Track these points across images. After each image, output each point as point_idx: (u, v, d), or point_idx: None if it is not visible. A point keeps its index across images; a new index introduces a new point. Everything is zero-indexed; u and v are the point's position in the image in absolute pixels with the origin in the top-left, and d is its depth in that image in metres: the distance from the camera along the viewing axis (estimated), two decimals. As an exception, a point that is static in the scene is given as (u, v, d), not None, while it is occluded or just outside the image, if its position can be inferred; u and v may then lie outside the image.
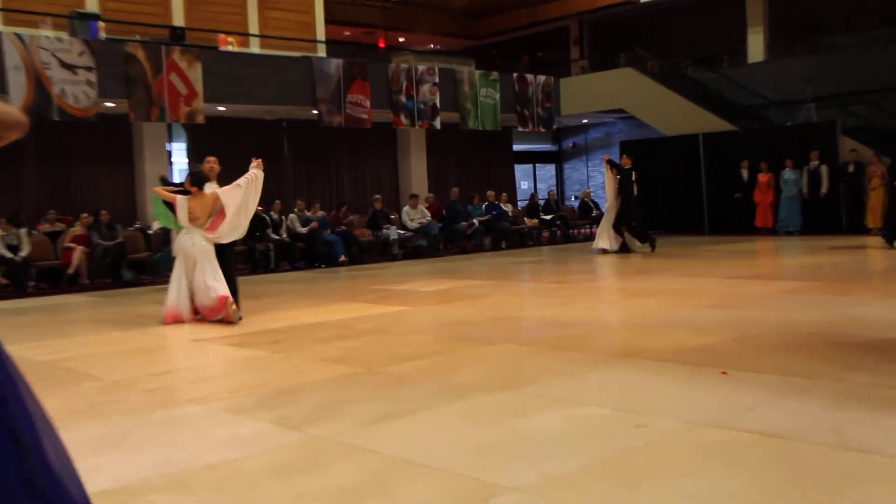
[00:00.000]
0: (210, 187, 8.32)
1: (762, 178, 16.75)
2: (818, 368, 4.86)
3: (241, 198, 8.08)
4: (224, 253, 8.25)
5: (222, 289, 7.94)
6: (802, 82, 17.84)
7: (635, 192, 14.25)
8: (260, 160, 8.29)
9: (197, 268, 8.03)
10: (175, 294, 8.10)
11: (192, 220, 8.14)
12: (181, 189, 8.34)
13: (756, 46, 20.87)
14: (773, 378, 4.64)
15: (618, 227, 14.13)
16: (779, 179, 16.62)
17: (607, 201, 14.47)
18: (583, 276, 11.44)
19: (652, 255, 13.68)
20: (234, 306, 7.89)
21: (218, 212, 8.17)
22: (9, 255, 12.07)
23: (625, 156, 14.70)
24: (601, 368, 5.17)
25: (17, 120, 1.74)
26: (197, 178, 8.30)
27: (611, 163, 14.24)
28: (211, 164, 8.64)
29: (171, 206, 8.22)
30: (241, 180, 8.16)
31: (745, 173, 17.24)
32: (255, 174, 8.18)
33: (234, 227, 8.16)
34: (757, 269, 11.08)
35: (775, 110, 18.81)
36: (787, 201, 16.49)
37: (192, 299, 8.10)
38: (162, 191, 8.47)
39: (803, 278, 9.52)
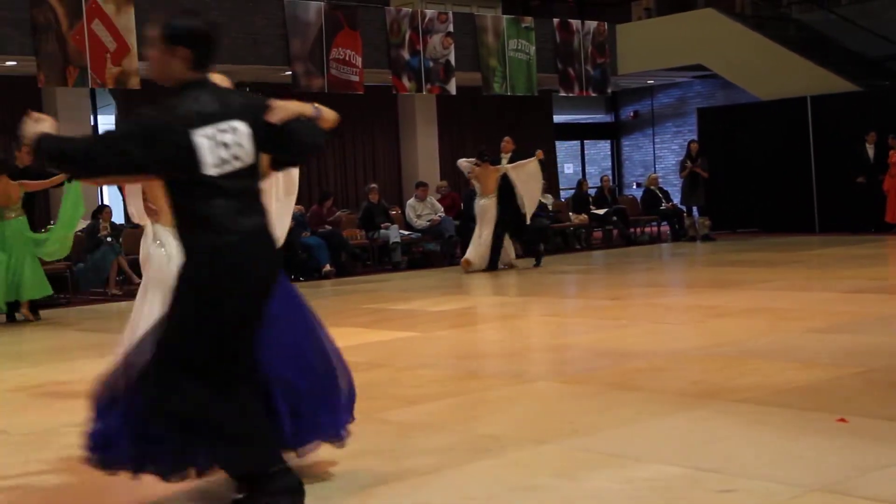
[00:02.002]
0: None
1: (895, 157, 16.65)
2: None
3: None
4: None
5: None
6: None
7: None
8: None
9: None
10: None
11: (151, 213, 6.35)
12: None
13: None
14: (907, 426, 4.64)
15: (500, 235, 14.23)
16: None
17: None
18: (647, 291, 11.42)
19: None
20: None
21: None
22: None
23: (507, 138, 14.74)
24: (672, 414, 5.16)
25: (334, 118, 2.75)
26: None
27: (481, 156, 14.40)
28: None
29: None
30: None
31: (870, 150, 17.14)
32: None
33: None
34: (888, 281, 11.03)
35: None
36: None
37: None
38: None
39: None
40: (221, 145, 3.66)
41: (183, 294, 3.76)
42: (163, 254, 5.37)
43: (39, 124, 3.70)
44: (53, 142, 3.69)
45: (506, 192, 14.15)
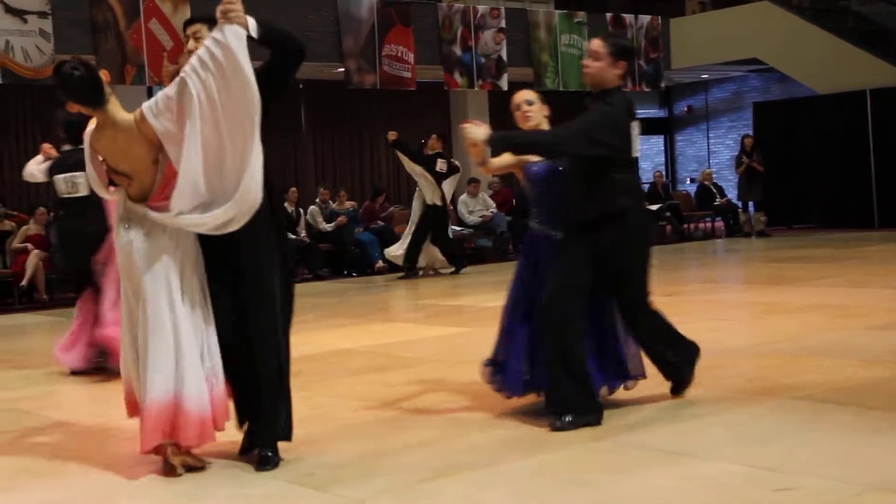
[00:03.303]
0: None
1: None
2: None
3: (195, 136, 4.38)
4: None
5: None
6: None
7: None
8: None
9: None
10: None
11: (121, 181, 4.65)
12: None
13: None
14: (970, 425, 4.58)
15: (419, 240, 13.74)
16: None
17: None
18: (702, 287, 11.35)
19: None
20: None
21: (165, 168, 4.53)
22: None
23: (434, 136, 14.21)
24: (729, 410, 5.15)
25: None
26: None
27: (398, 144, 13.64)
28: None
29: None
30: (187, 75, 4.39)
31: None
32: (212, 43, 4.36)
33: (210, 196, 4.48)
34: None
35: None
36: None
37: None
38: None
39: None
40: (636, 137, 5.18)
41: (621, 248, 5.07)
42: (128, 241, 4.43)
43: (481, 128, 5.20)
44: (511, 136, 5.52)
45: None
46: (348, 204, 15.72)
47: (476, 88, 17.60)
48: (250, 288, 4.50)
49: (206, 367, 4.42)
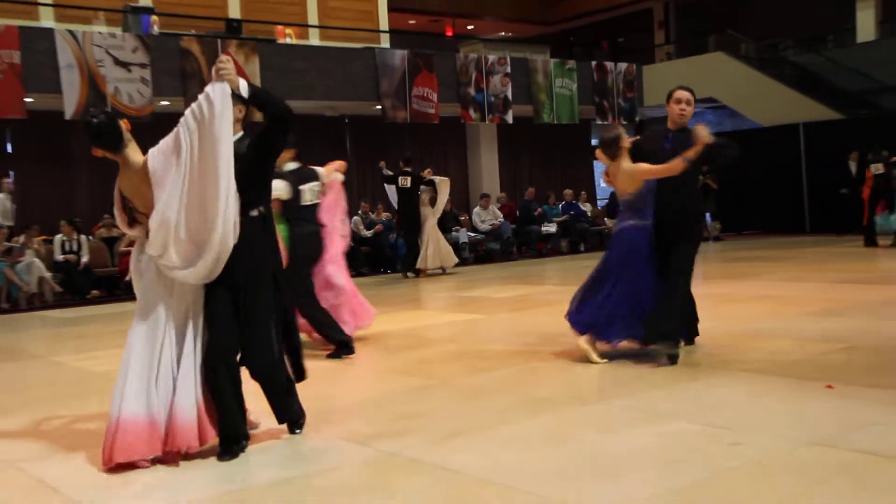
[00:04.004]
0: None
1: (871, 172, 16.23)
2: (939, 383, 4.73)
3: (178, 180, 3.99)
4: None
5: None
6: (919, 63, 17.29)
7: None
8: (227, 57, 4.35)
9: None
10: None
11: (141, 219, 4.27)
12: None
13: (866, 24, 20.24)
14: (887, 393, 4.53)
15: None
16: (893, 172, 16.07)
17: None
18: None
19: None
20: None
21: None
22: (63, 259, 12.51)
23: (402, 161, 13.85)
24: (694, 380, 5.13)
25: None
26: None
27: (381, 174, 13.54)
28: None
29: None
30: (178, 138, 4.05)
31: (852, 166, 16.76)
32: (202, 99, 4.05)
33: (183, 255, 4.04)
34: (869, 273, 10.77)
35: (888, 95, 18.22)
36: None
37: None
38: None
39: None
40: None
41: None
42: (144, 267, 4.16)
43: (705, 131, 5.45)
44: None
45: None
46: (384, 215, 15.77)
47: (487, 122, 17.58)
48: (250, 298, 4.09)
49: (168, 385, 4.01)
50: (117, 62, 13.04)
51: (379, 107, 15.92)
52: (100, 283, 13.14)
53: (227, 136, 3.91)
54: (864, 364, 5.34)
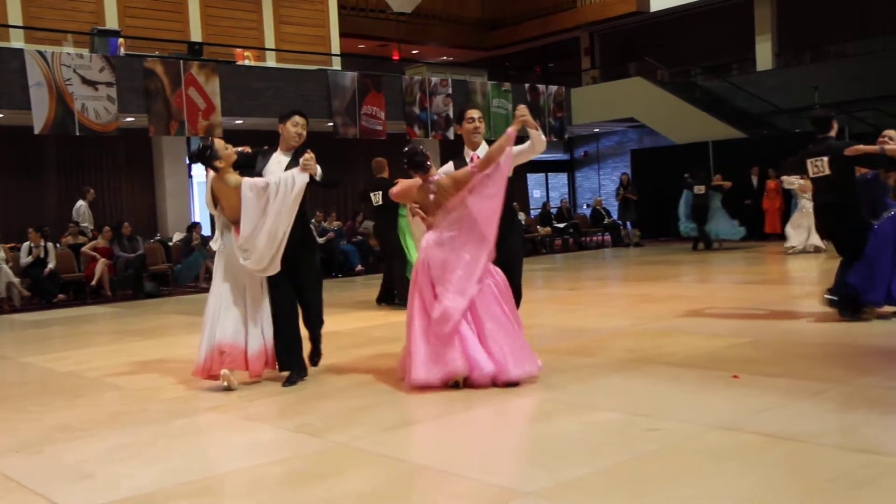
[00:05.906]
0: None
1: (771, 184, 16.67)
2: (830, 372, 4.85)
3: (259, 210, 5.21)
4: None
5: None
6: (810, 89, 17.79)
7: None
8: (312, 154, 5.35)
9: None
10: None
11: (235, 228, 5.42)
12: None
13: (764, 55, 20.83)
14: (784, 381, 4.64)
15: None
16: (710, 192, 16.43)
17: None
18: (595, 283, 11.43)
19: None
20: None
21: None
22: (31, 259, 12.17)
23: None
24: (613, 374, 5.18)
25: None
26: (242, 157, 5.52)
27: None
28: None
29: None
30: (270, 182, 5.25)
31: (754, 180, 17.19)
32: (290, 177, 5.23)
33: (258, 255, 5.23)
34: (768, 275, 11.04)
35: (784, 117, 18.74)
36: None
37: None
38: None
39: (814, 283, 9.48)
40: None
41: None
42: (222, 244, 5.49)
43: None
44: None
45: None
46: (335, 223, 15.65)
47: (430, 138, 17.60)
48: (306, 275, 5.56)
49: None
50: (84, 81, 12.73)
51: (331, 124, 15.81)
52: (66, 288, 12.80)
53: (295, 204, 5.23)
54: (765, 356, 5.46)
